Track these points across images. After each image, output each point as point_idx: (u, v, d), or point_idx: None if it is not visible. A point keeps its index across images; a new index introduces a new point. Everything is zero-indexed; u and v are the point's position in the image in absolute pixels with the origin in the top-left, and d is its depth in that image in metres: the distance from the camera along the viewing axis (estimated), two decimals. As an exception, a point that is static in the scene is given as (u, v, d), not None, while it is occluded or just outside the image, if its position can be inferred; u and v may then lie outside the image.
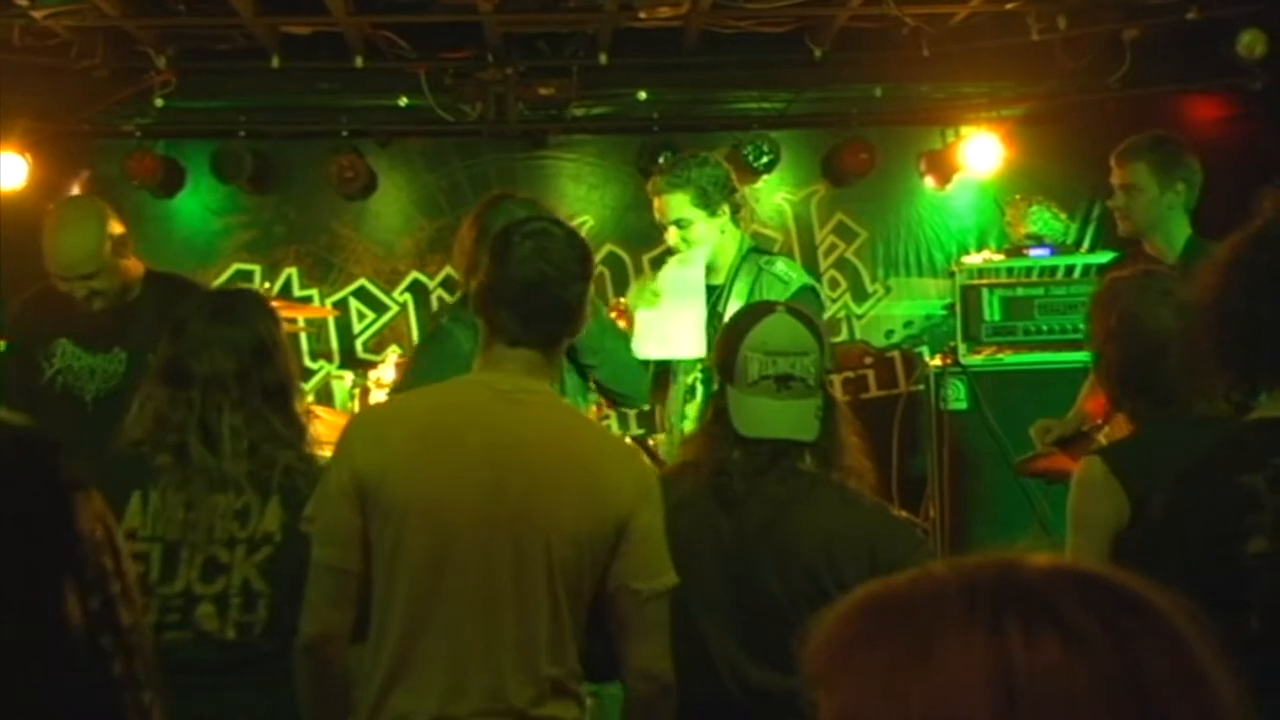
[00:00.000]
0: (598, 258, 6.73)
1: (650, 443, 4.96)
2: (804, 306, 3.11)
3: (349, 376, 6.37)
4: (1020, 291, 5.74)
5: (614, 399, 4.23)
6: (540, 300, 2.60)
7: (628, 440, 4.59)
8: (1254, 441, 2.25)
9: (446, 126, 6.52)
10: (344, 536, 2.53)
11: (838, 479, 2.81)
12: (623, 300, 5.22)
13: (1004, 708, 0.83)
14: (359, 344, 6.87)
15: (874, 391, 6.64)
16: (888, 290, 6.95)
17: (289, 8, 5.84)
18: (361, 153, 6.55)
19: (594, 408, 4.15)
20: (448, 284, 6.68)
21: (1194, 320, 2.45)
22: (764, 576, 2.71)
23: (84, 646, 1.24)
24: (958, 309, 5.80)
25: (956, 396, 5.64)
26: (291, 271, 6.81)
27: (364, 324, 6.88)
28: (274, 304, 3.49)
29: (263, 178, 6.66)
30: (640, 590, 2.54)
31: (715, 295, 4.32)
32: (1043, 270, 5.80)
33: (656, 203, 4.32)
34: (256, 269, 6.79)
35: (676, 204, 4.25)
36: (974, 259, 6.06)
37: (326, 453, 2.84)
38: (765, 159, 6.53)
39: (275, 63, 6.17)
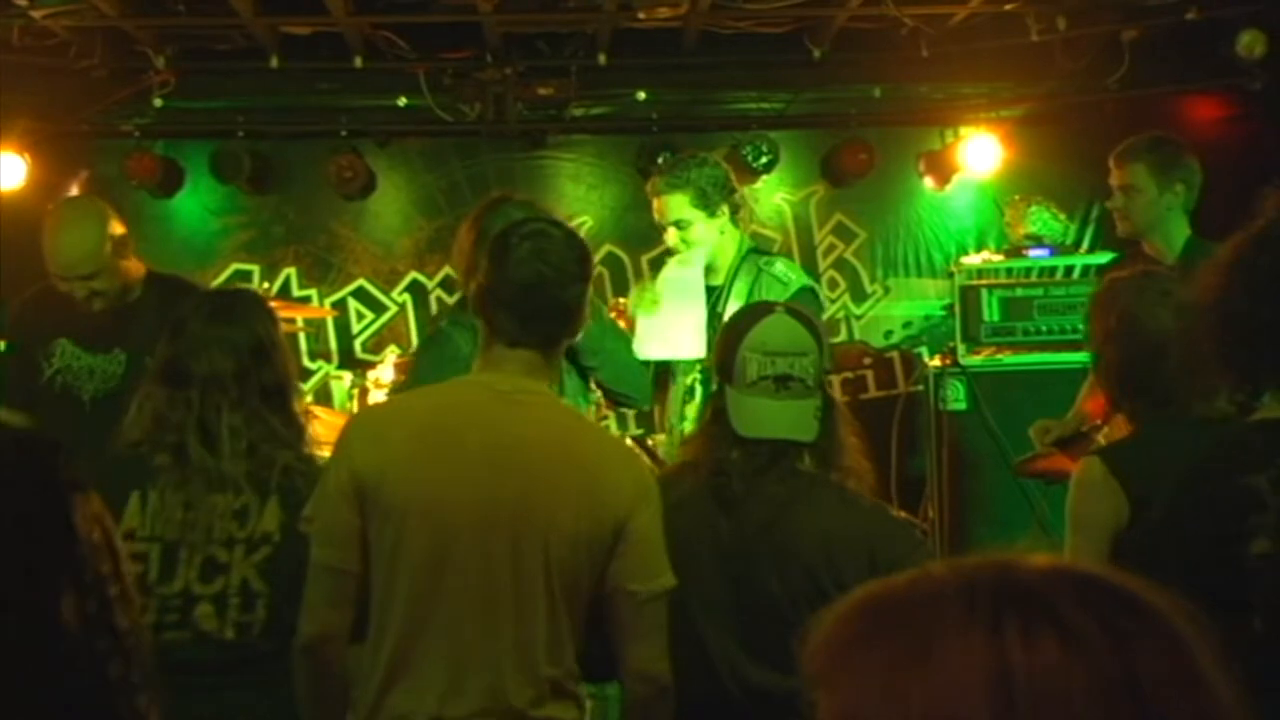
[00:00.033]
0: (597, 258, 6.70)
1: (649, 443, 4.96)
2: (803, 307, 3.11)
3: (348, 377, 6.36)
4: (1019, 292, 5.74)
5: (616, 400, 4.24)
6: (539, 301, 2.60)
7: (627, 441, 4.59)
8: (1257, 442, 2.25)
9: (445, 127, 6.52)
10: (342, 537, 2.53)
11: (837, 479, 2.81)
12: (622, 301, 5.23)
13: (1003, 708, 0.83)
14: (358, 344, 6.87)
15: (873, 392, 6.63)
16: (887, 291, 6.95)
17: (288, 8, 5.84)
18: (360, 153, 6.55)
19: (593, 408, 4.15)
20: (446, 284, 6.68)
21: (1196, 321, 2.45)
22: (763, 577, 2.71)
23: (80, 648, 1.24)
24: (957, 309, 5.80)
25: (955, 397, 5.64)
26: (290, 272, 6.81)
27: (363, 324, 6.88)
28: (272, 304, 3.49)
29: (262, 178, 6.66)
30: (637, 592, 2.54)
31: (715, 296, 4.32)
32: (1042, 271, 5.80)
33: (655, 203, 4.32)
34: (255, 269, 6.78)
35: (676, 205, 4.25)
36: (973, 259, 6.06)
37: (325, 453, 2.84)
38: (764, 159, 6.53)
39: (274, 63, 6.17)
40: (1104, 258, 5.30)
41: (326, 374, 6.84)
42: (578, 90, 6.40)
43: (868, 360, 6.63)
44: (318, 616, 2.55)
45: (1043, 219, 6.26)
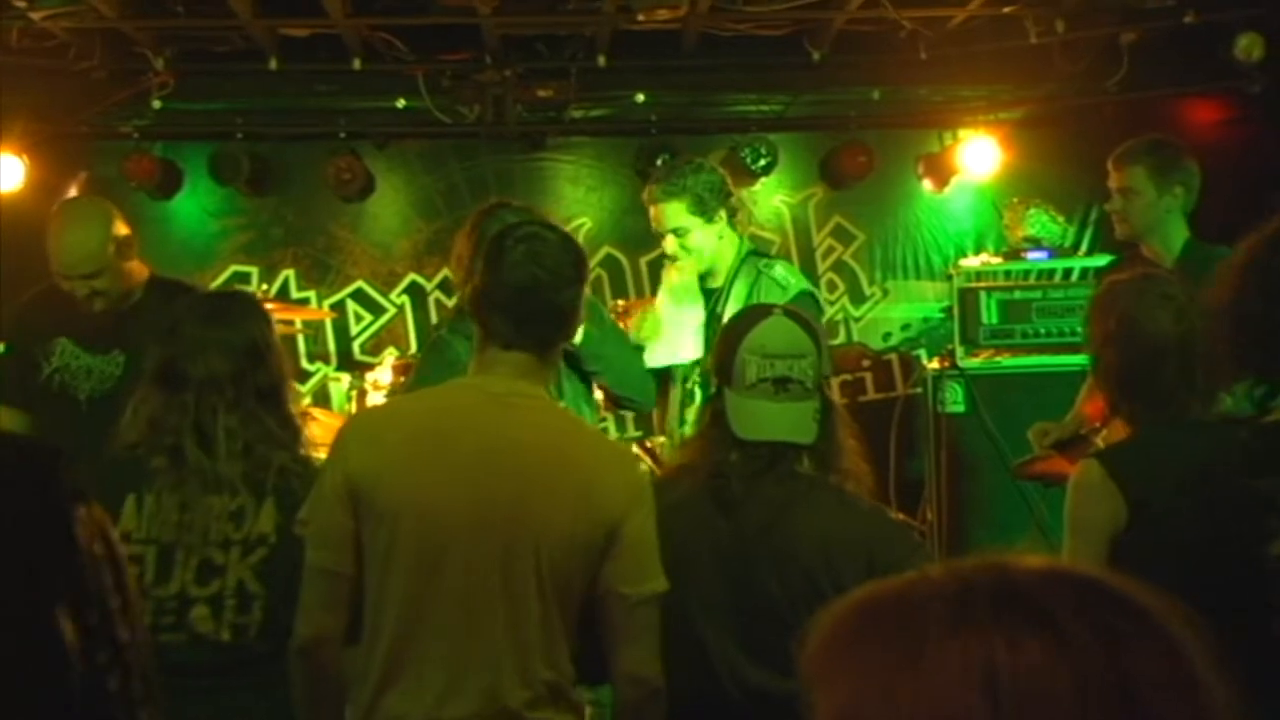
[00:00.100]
0: (595, 260, 6.75)
1: (649, 444, 4.97)
2: (802, 309, 3.11)
3: (346, 378, 6.36)
4: (1018, 294, 5.74)
5: (621, 404, 4.25)
6: (533, 304, 2.60)
7: (625, 443, 4.60)
8: (1273, 444, 2.25)
9: (444, 128, 6.52)
10: (337, 539, 2.53)
11: (835, 482, 2.81)
12: (621, 303, 5.24)
13: (990, 708, 0.83)
14: (356, 346, 6.87)
15: (872, 394, 6.64)
16: (885, 293, 6.95)
17: (287, 10, 5.84)
18: (359, 155, 6.55)
19: (594, 413, 4.15)
20: (445, 286, 6.67)
21: (1210, 323, 2.45)
22: (762, 579, 2.71)
23: (79, 660, 1.24)
24: (955, 312, 5.81)
25: (954, 399, 5.64)
26: (289, 273, 6.81)
27: (361, 326, 6.88)
28: (270, 306, 3.49)
29: (260, 179, 6.66)
30: (629, 595, 2.54)
31: (714, 298, 4.32)
32: (1040, 273, 5.80)
33: (653, 211, 4.32)
34: (254, 271, 6.78)
35: (673, 213, 4.25)
36: (972, 262, 6.06)
37: (323, 454, 2.84)
38: (763, 161, 6.53)
39: (273, 65, 6.16)
40: (1102, 260, 5.30)
41: (325, 376, 6.84)
42: (577, 92, 6.40)
43: (866, 363, 6.65)
44: (312, 619, 2.55)
45: (1041, 221, 6.27)
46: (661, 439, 4.69)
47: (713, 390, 2.92)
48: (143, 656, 1.30)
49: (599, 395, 4.10)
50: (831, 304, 6.79)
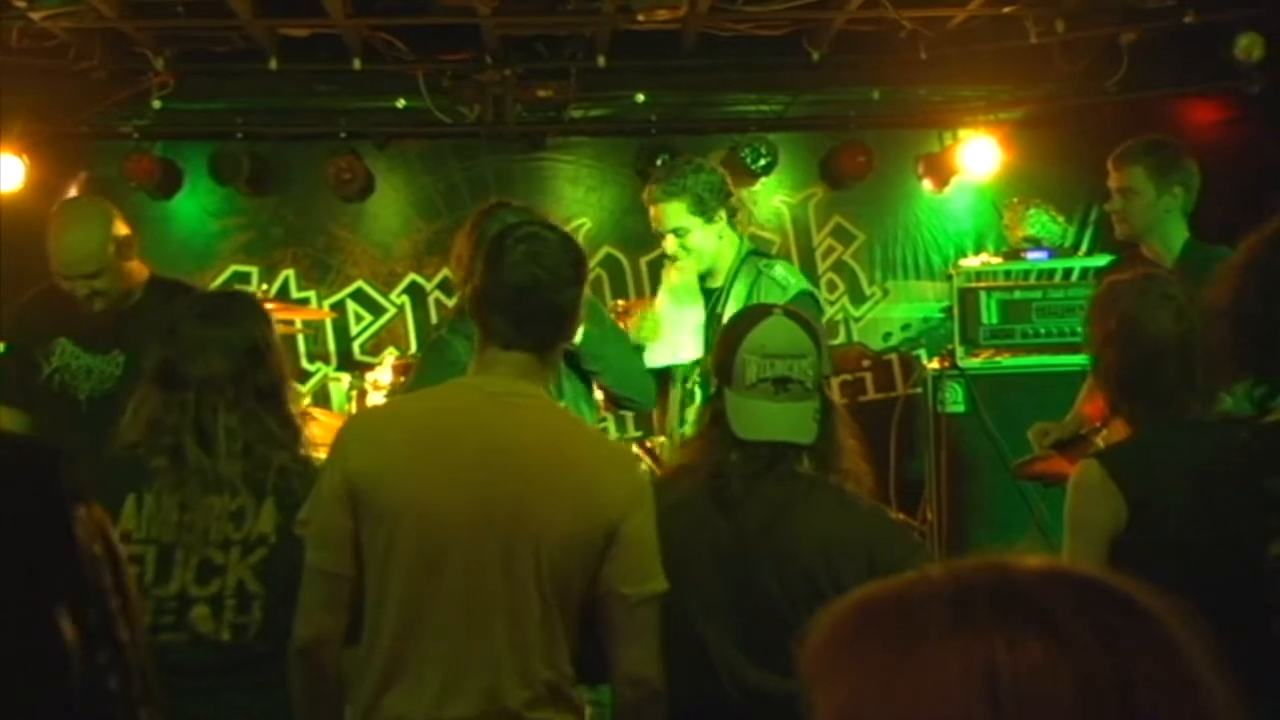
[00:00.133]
0: (595, 260, 6.75)
1: (648, 444, 4.97)
2: (802, 309, 3.11)
3: (346, 378, 6.36)
4: (1018, 294, 5.75)
5: (621, 404, 4.25)
6: (532, 304, 2.60)
7: (624, 443, 4.60)
8: (1274, 443, 2.25)
9: (444, 128, 6.52)
10: (336, 540, 2.53)
11: (835, 482, 2.81)
12: (621, 303, 5.23)
13: (989, 708, 0.83)
14: (356, 346, 6.87)
15: (872, 394, 6.64)
16: (885, 293, 6.95)
17: (287, 10, 5.84)
18: (359, 154, 6.55)
19: (595, 413, 4.16)
20: (445, 286, 6.67)
21: (1210, 323, 2.45)
22: (762, 579, 2.71)
23: (79, 660, 1.24)
24: (955, 312, 5.81)
25: (954, 399, 5.64)
26: (289, 273, 6.81)
27: (361, 326, 6.88)
28: (270, 306, 3.49)
29: (260, 179, 6.66)
30: (629, 595, 2.54)
31: (714, 298, 4.32)
32: (1040, 273, 5.80)
33: (653, 211, 4.32)
34: (254, 271, 6.78)
35: (673, 213, 4.25)
36: (972, 262, 6.06)
37: (322, 454, 2.84)
38: (763, 161, 6.53)
39: (273, 64, 6.16)
40: (1102, 260, 5.31)
41: (325, 376, 6.84)
42: (576, 92, 6.40)
43: (866, 363, 6.65)
44: (312, 620, 2.55)
45: (1041, 221, 6.27)
46: (661, 439, 4.69)
47: (713, 390, 2.93)
48: (143, 656, 1.30)
49: (599, 395, 4.10)
50: (831, 304, 6.79)
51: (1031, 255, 5.93)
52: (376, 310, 6.88)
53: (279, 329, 3.21)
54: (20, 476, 1.27)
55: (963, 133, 6.70)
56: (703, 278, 4.35)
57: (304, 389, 6.54)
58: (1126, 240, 4.42)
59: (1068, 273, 5.79)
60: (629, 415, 6.25)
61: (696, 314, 4.31)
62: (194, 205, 6.77)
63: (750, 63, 6.51)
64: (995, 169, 6.65)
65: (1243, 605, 2.16)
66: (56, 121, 6.40)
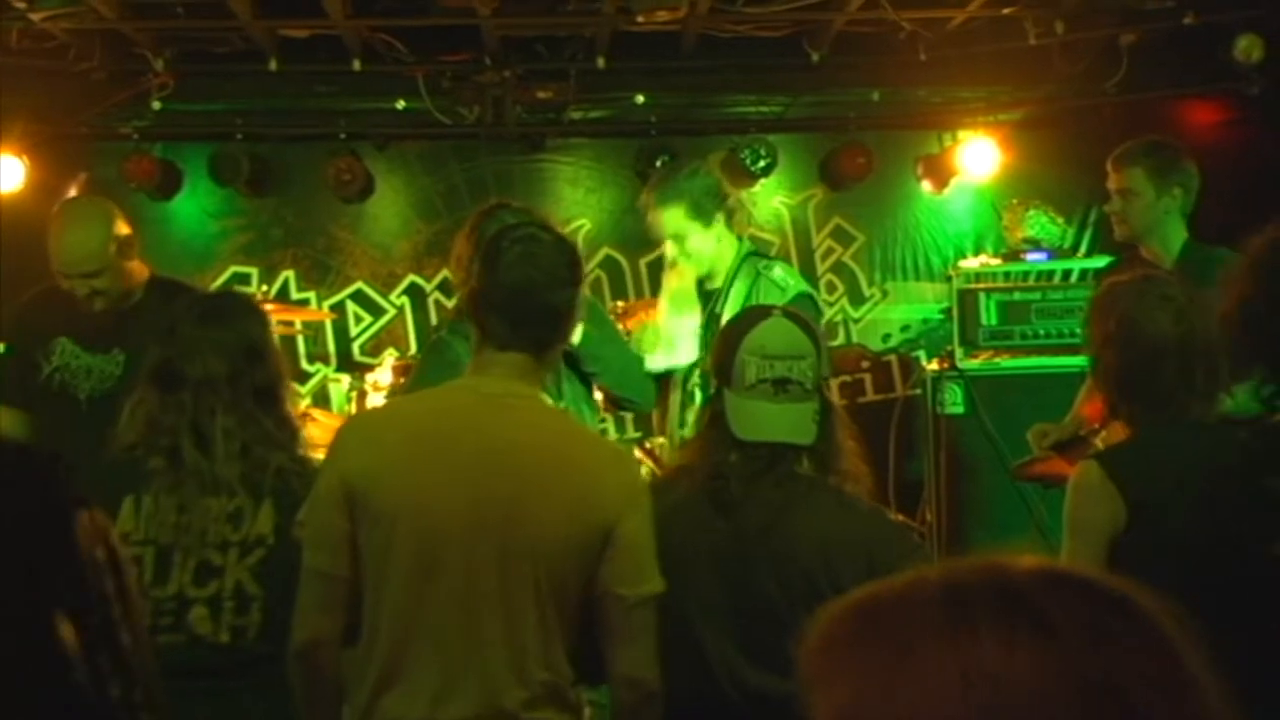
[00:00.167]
0: (595, 261, 6.75)
1: (648, 445, 4.97)
2: (801, 310, 3.12)
3: (346, 379, 6.36)
4: (1017, 296, 5.75)
5: (620, 404, 4.25)
6: (528, 305, 2.61)
7: (621, 444, 4.60)
8: (1275, 444, 2.26)
9: (444, 129, 6.52)
10: (333, 542, 2.53)
11: (835, 483, 2.81)
12: (620, 304, 5.24)
13: (981, 707, 0.83)
14: (356, 347, 6.87)
15: (871, 395, 6.64)
16: (885, 294, 6.95)
17: (287, 11, 5.84)
18: (359, 155, 6.55)
19: (596, 414, 4.16)
20: (444, 287, 6.67)
21: (1220, 321, 2.46)
22: (761, 580, 2.71)
23: (80, 666, 1.24)
24: (955, 313, 5.81)
25: (953, 401, 5.64)
26: (289, 274, 6.81)
27: (361, 327, 6.88)
28: (270, 307, 3.49)
29: (260, 180, 6.66)
30: (626, 596, 2.54)
31: (713, 299, 4.33)
32: (1039, 274, 5.81)
33: (650, 218, 4.33)
34: (254, 272, 6.78)
35: (671, 219, 4.26)
36: (971, 263, 6.06)
37: (321, 455, 2.85)
38: (763, 163, 6.53)
39: (273, 65, 6.16)
40: (1101, 261, 5.30)
41: (325, 377, 6.84)
42: (576, 93, 6.40)
43: (866, 364, 6.65)
44: (309, 622, 2.55)
45: (1040, 223, 6.28)
46: (661, 440, 4.69)
47: (712, 391, 2.93)
48: (146, 663, 1.30)
49: (599, 396, 4.10)
50: (831, 305, 6.79)
51: (1031, 256, 5.94)
52: (376, 311, 6.88)
53: (279, 330, 3.21)
54: (20, 481, 1.27)
55: (962, 134, 6.70)
56: (701, 280, 4.36)
57: (304, 390, 6.54)
58: (1126, 241, 4.42)
59: (1067, 274, 5.79)
60: (629, 416, 6.25)
61: (695, 319, 4.32)
62: (194, 206, 6.77)
63: (750, 64, 6.52)
64: (995, 170, 6.65)
65: (1243, 605, 2.17)
66: (56, 122, 6.40)
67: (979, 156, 6.60)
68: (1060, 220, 6.38)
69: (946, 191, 6.81)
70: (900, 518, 4.38)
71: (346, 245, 6.85)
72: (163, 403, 2.91)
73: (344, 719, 2.63)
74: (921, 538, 5.27)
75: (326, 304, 6.81)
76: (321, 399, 6.75)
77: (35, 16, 5.56)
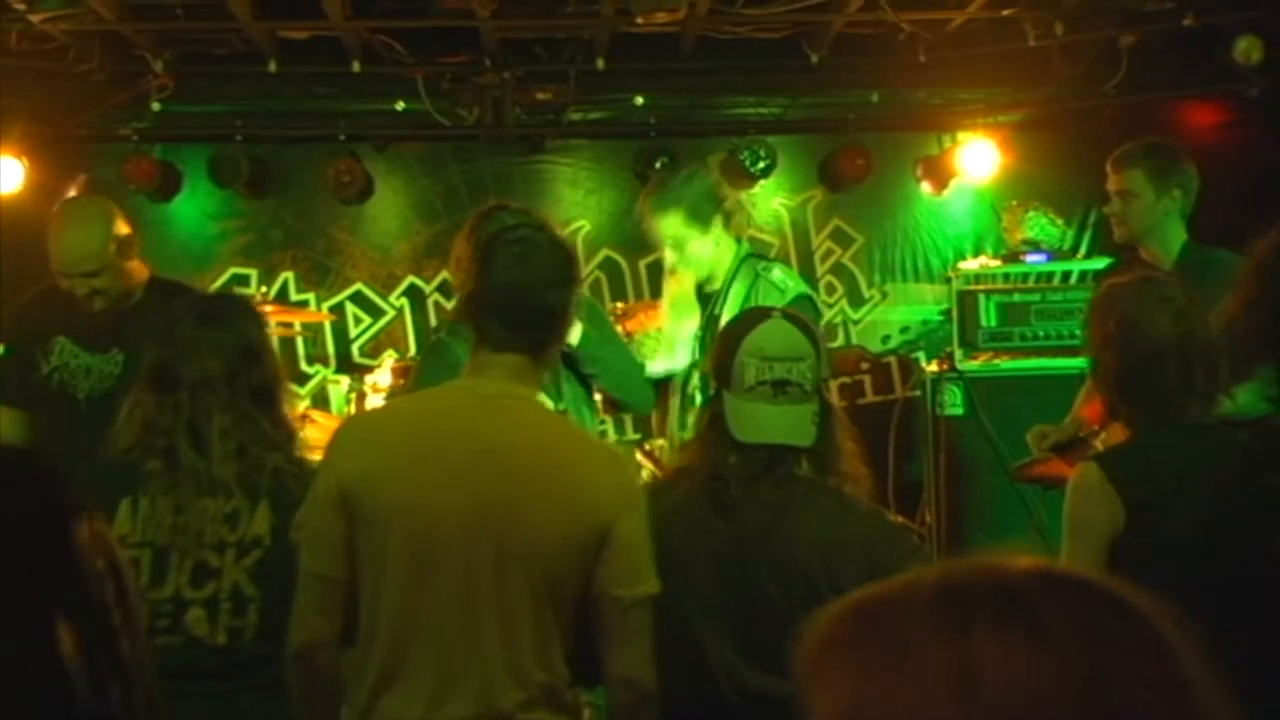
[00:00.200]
0: (594, 263, 6.76)
1: (647, 447, 4.97)
2: (800, 312, 3.12)
3: (345, 381, 6.36)
4: (1017, 297, 5.75)
5: (617, 406, 4.25)
6: (523, 306, 2.61)
7: (617, 445, 4.60)
8: (1275, 444, 2.26)
9: (443, 131, 6.52)
10: (329, 544, 2.53)
11: (834, 484, 2.81)
12: (620, 305, 5.24)
13: (973, 707, 0.83)
14: (355, 348, 6.87)
15: (870, 397, 6.64)
16: (884, 296, 6.95)
17: (286, 12, 5.84)
18: (358, 157, 6.55)
19: (596, 416, 4.16)
20: (444, 289, 6.67)
21: (1228, 324, 2.47)
22: (761, 582, 2.71)
23: (80, 669, 1.24)
24: (954, 314, 5.81)
25: (953, 402, 5.64)
26: (288, 276, 6.81)
27: (360, 328, 6.88)
28: (269, 308, 3.49)
29: (260, 182, 6.66)
30: (622, 597, 2.54)
31: (712, 301, 4.33)
32: (1039, 276, 5.80)
33: (647, 225, 4.33)
34: (253, 273, 6.78)
35: (668, 226, 4.26)
36: (970, 265, 6.07)
37: (319, 456, 2.84)
38: (762, 164, 6.53)
39: (272, 67, 6.16)
40: (1101, 263, 5.30)
41: (324, 378, 6.84)
42: (575, 95, 6.40)
43: (865, 365, 6.64)
44: (306, 624, 2.55)
45: (1040, 224, 6.27)
46: (661, 441, 4.69)
47: (711, 393, 2.93)
48: (145, 668, 1.30)
49: (598, 398, 4.10)
50: (830, 307, 6.79)
51: (1030, 258, 5.94)
52: (375, 313, 6.87)
53: (278, 331, 3.21)
54: (20, 490, 1.27)
55: (962, 135, 6.70)
56: (700, 283, 4.36)
57: (303, 391, 6.54)
58: (1125, 243, 4.42)
59: (1066, 275, 5.79)
60: (629, 418, 6.25)
61: (694, 324, 4.33)
62: (193, 208, 6.76)
63: (749, 65, 6.51)
64: (994, 172, 6.65)
65: (1243, 605, 2.17)
66: (56, 124, 6.40)
67: (978, 158, 6.60)
68: (1060, 222, 6.38)
69: (946, 193, 6.81)
70: (900, 519, 4.37)
71: (346, 247, 6.85)
72: (159, 404, 2.90)
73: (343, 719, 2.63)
74: (921, 539, 5.27)
75: (326, 305, 6.81)
76: (321, 401, 6.75)
77: (35, 18, 5.56)
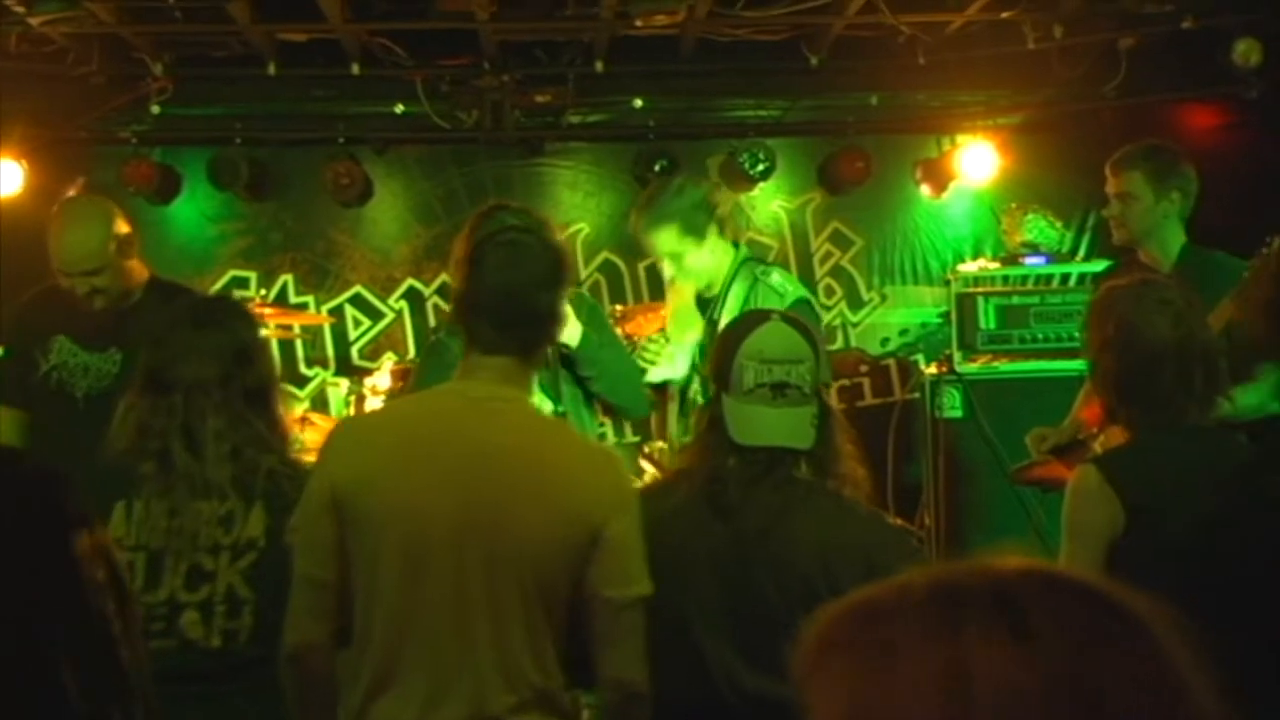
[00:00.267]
0: (593, 265, 6.76)
1: (647, 449, 4.96)
2: (799, 315, 3.12)
3: (344, 383, 6.37)
4: (1016, 300, 5.75)
5: (612, 410, 4.24)
6: (512, 308, 2.62)
7: (608, 447, 4.58)
8: (1275, 445, 2.27)
9: (443, 134, 6.52)
10: (322, 547, 2.53)
11: (833, 487, 2.80)
12: (619, 308, 5.23)
13: (961, 708, 0.83)
14: (354, 351, 6.87)
15: (869, 399, 6.64)
16: (883, 298, 6.95)
17: (285, 15, 5.85)
18: (358, 160, 6.55)
19: (594, 419, 4.16)
20: (443, 291, 6.67)
21: (1242, 329, 2.48)
22: (760, 584, 2.71)
23: (80, 686, 1.23)
24: (953, 317, 5.81)
25: (952, 404, 5.64)
26: (287, 278, 6.81)
27: (360, 331, 6.88)
28: (268, 311, 3.48)
29: (259, 185, 6.66)
30: (613, 598, 2.53)
31: (711, 306, 4.33)
32: (1038, 278, 5.81)
33: (642, 240, 4.33)
34: (252, 276, 6.78)
35: (665, 240, 4.26)
36: (969, 267, 6.07)
37: (315, 458, 2.84)
38: (761, 167, 6.53)
39: (272, 70, 6.17)
40: (1100, 265, 5.30)
41: (323, 381, 6.83)
42: (575, 98, 6.41)
43: (864, 368, 6.65)
44: (300, 626, 2.55)
45: (1039, 227, 6.27)
46: (661, 444, 4.69)
47: (710, 395, 2.92)
48: (145, 680, 1.30)
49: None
50: (829, 309, 6.79)
51: (1029, 260, 5.94)
52: (375, 315, 6.87)
53: (277, 334, 3.21)
54: (19, 499, 1.27)
55: (961, 138, 6.70)
56: (699, 291, 4.36)
57: (302, 394, 6.53)
58: (1124, 245, 4.42)
59: (1065, 278, 5.79)
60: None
61: (696, 335, 4.34)
62: (192, 210, 6.77)
63: (748, 68, 6.52)
64: (993, 174, 6.65)
65: (1243, 606, 2.17)
66: (55, 127, 6.40)
67: (977, 160, 6.60)
68: (1059, 224, 6.38)
69: (945, 195, 6.81)
70: (899, 521, 4.38)
71: (345, 249, 6.85)
72: (153, 407, 2.90)
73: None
74: (920, 542, 5.27)
75: (325, 308, 6.81)
76: (320, 403, 6.74)
77: (34, 21, 5.56)
